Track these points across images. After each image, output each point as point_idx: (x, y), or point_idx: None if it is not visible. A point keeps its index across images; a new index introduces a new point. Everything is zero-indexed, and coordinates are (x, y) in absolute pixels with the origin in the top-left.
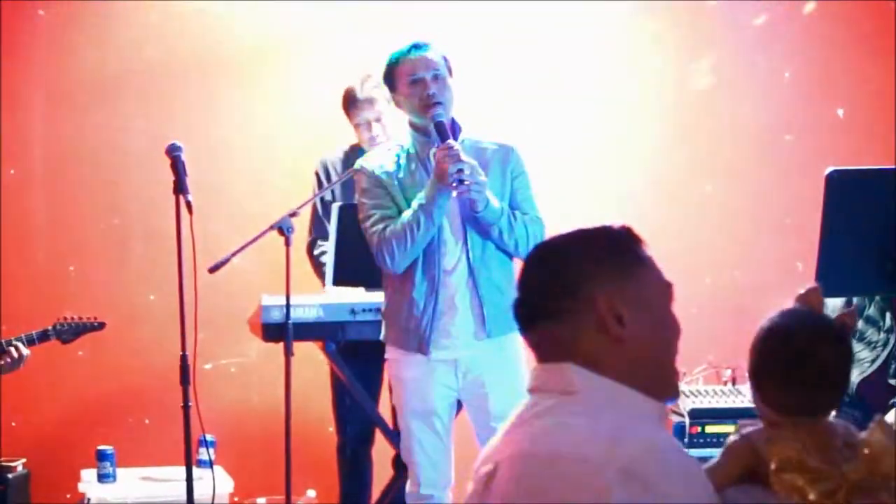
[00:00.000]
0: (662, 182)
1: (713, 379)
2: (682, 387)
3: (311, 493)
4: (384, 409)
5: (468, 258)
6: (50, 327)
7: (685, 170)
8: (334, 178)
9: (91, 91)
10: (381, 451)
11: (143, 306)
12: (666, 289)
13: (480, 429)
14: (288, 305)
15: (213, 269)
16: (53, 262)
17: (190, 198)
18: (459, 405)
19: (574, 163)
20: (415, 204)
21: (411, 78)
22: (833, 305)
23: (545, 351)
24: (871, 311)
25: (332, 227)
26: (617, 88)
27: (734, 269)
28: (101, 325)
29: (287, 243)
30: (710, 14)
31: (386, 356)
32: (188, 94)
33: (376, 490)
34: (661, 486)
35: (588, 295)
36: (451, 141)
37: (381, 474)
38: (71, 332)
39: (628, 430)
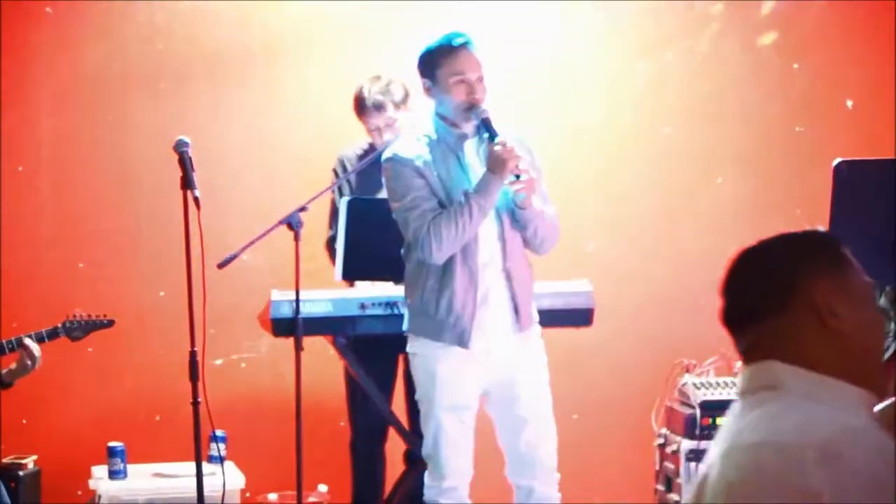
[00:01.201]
0: (674, 174)
1: (724, 370)
2: (693, 378)
3: (323, 488)
4: (398, 404)
5: (503, 252)
6: (59, 325)
7: (696, 162)
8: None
9: (98, 88)
10: (392, 445)
11: (152, 302)
12: (869, 286)
13: (502, 423)
14: (297, 300)
15: (222, 265)
16: (62, 260)
17: (198, 193)
18: None
19: (584, 156)
20: (466, 196)
21: (457, 77)
22: None
23: (756, 351)
24: (882, 302)
25: (341, 222)
26: (627, 81)
27: None
28: (111, 323)
29: (296, 238)
30: (718, 6)
31: (412, 350)
32: (196, 91)
33: (389, 485)
34: (859, 463)
35: (805, 289)
36: (504, 139)
37: (393, 469)
38: (80, 329)
39: (825, 415)
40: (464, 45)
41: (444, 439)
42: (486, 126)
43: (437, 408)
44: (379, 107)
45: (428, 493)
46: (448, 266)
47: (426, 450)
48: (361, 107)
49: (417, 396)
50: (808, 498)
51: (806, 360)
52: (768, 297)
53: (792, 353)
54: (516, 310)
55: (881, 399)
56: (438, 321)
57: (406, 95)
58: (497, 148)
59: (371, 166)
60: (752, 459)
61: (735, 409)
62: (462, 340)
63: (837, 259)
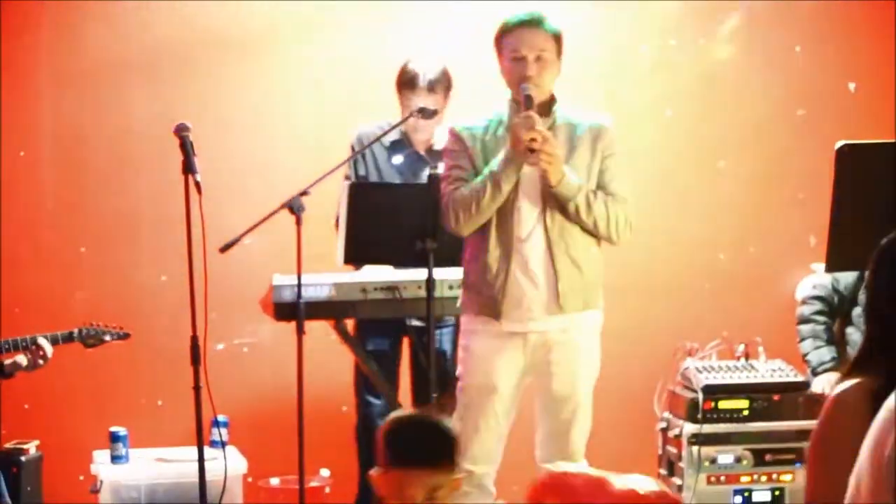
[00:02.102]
0: (675, 158)
1: (727, 354)
2: (696, 362)
3: (325, 472)
4: (403, 388)
5: (545, 228)
6: (76, 330)
7: (698, 145)
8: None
9: (99, 72)
10: None
11: (154, 287)
12: None
13: (541, 406)
14: (299, 285)
15: (223, 249)
16: (64, 244)
17: (199, 177)
18: None
19: None
20: (486, 171)
21: (514, 54)
22: (845, 280)
23: None
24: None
25: (342, 205)
26: (628, 65)
27: (748, 245)
28: (126, 335)
29: (298, 222)
30: None
31: (462, 326)
32: (197, 75)
33: None
34: None
35: None
36: (530, 112)
37: None
38: (96, 337)
39: None
40: (527, 22)
41: (468, 420)
42: (526, 103)
43: (467, 387)
44: (431, 88)
45: None
46: (483, 238)
47: (453, 426)
48: (411, 84)
49: (457, 373)
50: None
51: None
52: None
53: None
54: (557, 290)
55: None
56: (476, 294)
57: (450, 83)
58: (513, 122)
59: (410, 151)
60: None
61: None
62: (494, 313)
63: None
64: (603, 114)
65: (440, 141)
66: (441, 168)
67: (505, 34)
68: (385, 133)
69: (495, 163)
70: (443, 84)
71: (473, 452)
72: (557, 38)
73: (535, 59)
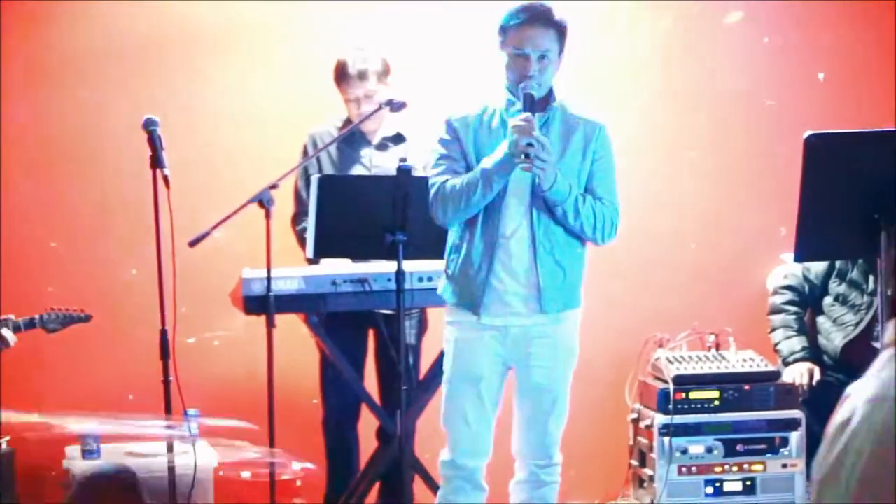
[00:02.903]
0: (644, 150)
1: (697, 345)
2: (667, 353)
3: (297, 465)
4: (370, 381)
5: (531, 227)
6: (37, 316)
7: (668, 137)
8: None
9: (69, 67)
10: (365, 422)
11: (125, 281)
12: None
13: (520, 398)
14: (269, 278)
15: (193, 243)
16: (35, 239)
17: (167, 172)
18: None
19: None
20: (479, 166)
21: (518, 51)
22: (816, 270)
23: None
24: (855, 274)
25: (311, 199)
26: (596, 59)
27: (718, 235)
28: (88, 318)
29: (267, 216)
30: None
31: (445, 318)
32: (169, 70)
33: (362, 462)
34: None
35: None
36: (528, 114)
37: (366, 447)
38: (58, 321)
39: None
40: (530, 19)
41: (456, 412)
42: (525, 102)
43: (452, 378)
44: (362, 76)
45: (441, 468)
46: (469, 232)
47: (442, 422)
48: (343, 75)
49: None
50: None
51: None
52: None
53: None
54: (539, 290)
55: None
56: (457, 287)
57: (387, 69)
58: (512, 123)
59: (357, 141)
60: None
61: (887, 356)
62: (473, 307)
63: None
64: (599, 114)
65: (388, 129)
66: (411, 159)
67: (510, 27)
68: (354, 125)
69: (489, 161)
70: (376, 71)
71: (464, 446)
72: (562, 34)
73: (539, 59)
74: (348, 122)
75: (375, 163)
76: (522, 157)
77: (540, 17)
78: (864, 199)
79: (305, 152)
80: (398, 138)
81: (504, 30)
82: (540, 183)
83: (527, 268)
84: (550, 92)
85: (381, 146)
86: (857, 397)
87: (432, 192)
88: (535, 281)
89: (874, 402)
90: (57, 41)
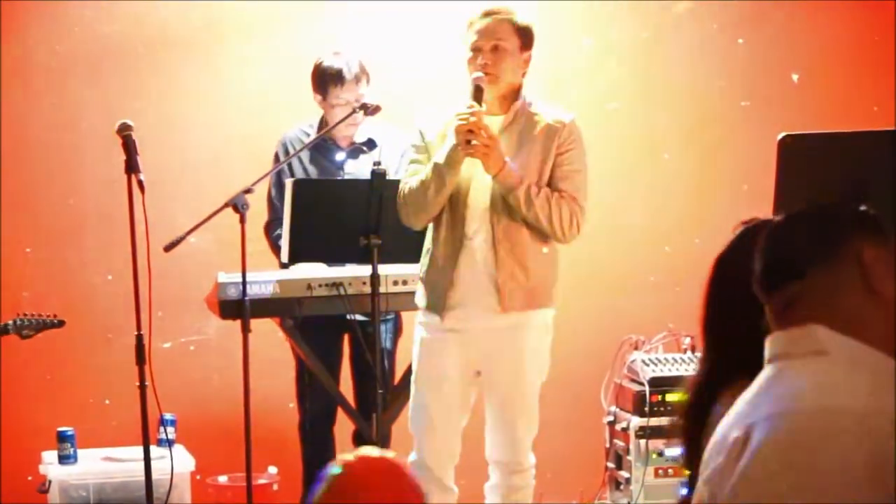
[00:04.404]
0: (619, 150)
1: (673, 347)
2: (642, 355)
3: (273, 469)
4: (345, 385)
5: (491, 227)
6: (10, 322)
7: (642, 138)
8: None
9: (42, 71)
10: (342, 426)
11: (100, 286)
12: None
13: (488, 403)
14: (244, 282)
15: (168, 248)
16: (10, 245)
17: (142, 177)
18: None
19: None
20: (431, 162)
21: (472, 45)
22: None
23: (793, 314)
24: None
25: (286, 203)
26: (571, 58)
27: (693, 237)
28: (61, 323)
29: (242, 220)
30: None
31: (416, 319)
32: (142, 74)
33: None
34: None
35: (853, 249)
36: (473, 103)
37: (343, 450)
38: (31, 327)
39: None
40: (482, 14)
41: (421, 413)
42: (474, 94)
43: (417, 379)
44: (357, 79)
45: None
46: (436, 233)
47: (409, 424)
48: (334, 79)
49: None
50: (878, 468)
51: (852, 326)
52: (816, 249)
53: (839, 317)
54: (498, 290)
55: None
56: (425, 287)
57: (367, 72)
58: (456, 113)
59: (328, 148)
60: (821, 425)
61: (773, 371)
62: (437, 308)
63: (884, 232)
64: (566, 111)
65: (360, 135)
66: (383, 164)
67: (468, 27)
68: (328, 130)
69: (440, 154)
70: (365, 75)
71: (430, 448)
72: (521, 31)
73: (491, 49)
74: (322, 126)
75: (348, 170)
76: (465, 143)
77: (496, 12)
78: (839, 199)
79: (277, 158)
80: (370, 144)
81: (466, 28)
82: (486, 168)
83: (488, 269)
84: (517, 93)
85: (354, 152)
86: (746, 417)
87: (398, 194)
88: (496, 282)
89: (777, 418)
90: (32, 45)
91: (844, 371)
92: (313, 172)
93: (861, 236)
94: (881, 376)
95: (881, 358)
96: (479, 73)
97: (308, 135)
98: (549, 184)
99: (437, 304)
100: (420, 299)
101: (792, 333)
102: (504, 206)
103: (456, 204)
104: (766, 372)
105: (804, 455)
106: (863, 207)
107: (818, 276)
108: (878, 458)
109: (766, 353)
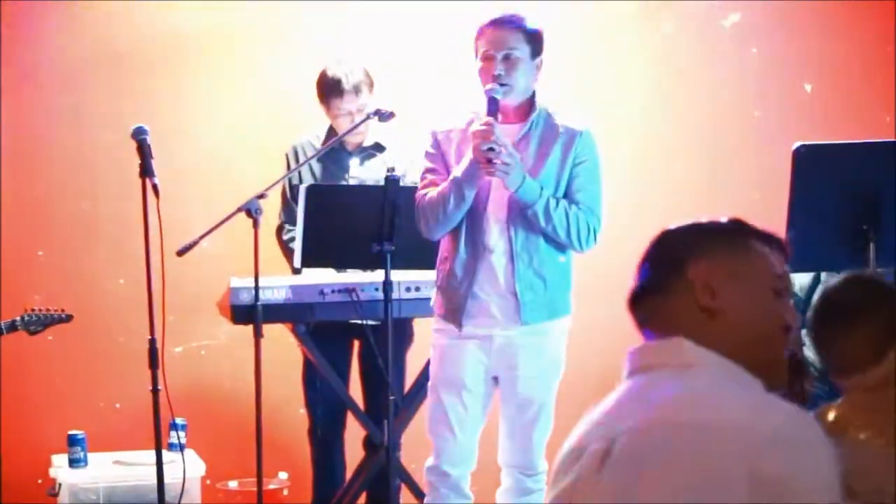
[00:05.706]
0: (632, 159)
1: None
2: None
3: (283, 475)
4: (354, 390)
5: (509, 239)
6: (18, 318)
7: (655, 147)
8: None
9: (57, 75)
10: (352, 432)
11: (112, 290)
12: (773, 280)
13: (504, 408)
14: (257, 287)
15: (181, 252)
16: (22, 248)
17: (156, 181)
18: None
19: None
20: (451, 176)
21: (484, 53)
22: (800, 282)
23: (652, 327)
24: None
25: (299, 209)
26: (590, 67)
27: None
28: (69, 318)
29: (255, 225)
30: None
31: (432, 326)
32: (156, 79)
33: (349, 471)
34: (808, 452)
35: (687, 267)
36: (490, 118)
37: (353, 456)
38: (39, 323)
39: (768, 399)
40: (496, 22)
41: (440, 419)
42: (488, 106)
43: (436, 385)
44: (357, 89)
45: (426, 474)
46: (454, 245)
47: (428, 429)
48: (335, 90)
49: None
50: (757, 485)
51: (701, 341)
52: (660, 272)
53: (686, 332)
54: (517, 300)
55: (774, 390)
56: (443, 298)
57: (372, 80)
58: (474, 129)
59: (336, 152)
60: (694, 437)
61: (637, 381)
62: (456, 320)
63: (736, 244)
64: (583, 120)
65: (368, 139)
66: (399, 171)
67: (478, 35)
68: (337, 140)
69: (459, 168)
70: (367, 83)
71: (447, 453)
72: (532, 38)
73: (504, 59)
74: (331, 133)
75: (357, 175)
76: (484, 161)
77: (507, 21)
78: (853, 210)
79: (288, 163)
80: (378, 147)
81: (475, 41)
82: (506, 186)
83: (507, 281)
84: (533, 100)
85: (363, 157)
86: (606, 429)
87: (416, 206)
88: (515, 294)
89: (646, 431)
90: (45, 49)
91: (711, 384)
92: (319, 174)
93: (698, 255)
94: (751, 390)
95: (742, 372)
96: (494, 85)
97: (317, 141)
98: (566, 194)
99: (455, 315)
100: (437, 307)
101: (658, 345)
102: (522, 217)
103: (474, 214)
104: (628, 384)
105: (682, 471)
106: (704, 220)
107: (668, 292)
108: (757, 475)
109: (627, 365)
